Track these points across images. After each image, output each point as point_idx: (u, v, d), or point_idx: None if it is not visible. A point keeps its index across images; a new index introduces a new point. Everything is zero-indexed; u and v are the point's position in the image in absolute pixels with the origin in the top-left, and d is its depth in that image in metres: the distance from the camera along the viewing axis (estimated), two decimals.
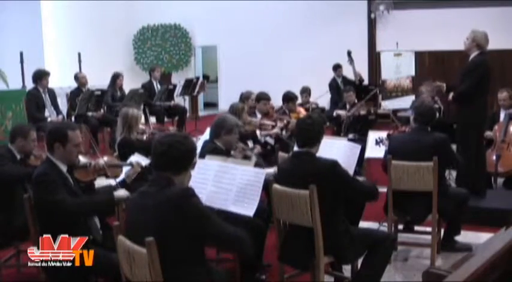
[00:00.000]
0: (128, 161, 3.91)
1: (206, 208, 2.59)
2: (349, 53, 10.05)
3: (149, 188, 2.60)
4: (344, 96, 7.74)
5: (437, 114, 7.07)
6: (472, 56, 5.31)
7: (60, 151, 3.24)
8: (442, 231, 4.43)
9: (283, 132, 6.02)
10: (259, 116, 6.25)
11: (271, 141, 5.60)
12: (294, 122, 5.31)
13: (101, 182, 3.70)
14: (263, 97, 6.38)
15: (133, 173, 3.79)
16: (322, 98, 8.58)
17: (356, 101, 7.70)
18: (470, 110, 5.24)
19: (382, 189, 4.55)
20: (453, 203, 4.28)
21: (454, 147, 4.62)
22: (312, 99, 8.46)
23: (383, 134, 5.14)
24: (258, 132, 5.68)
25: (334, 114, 7.32)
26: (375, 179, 6.22)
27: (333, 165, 3.29)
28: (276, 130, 5.59)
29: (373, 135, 5.70)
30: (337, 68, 9.85)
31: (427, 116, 4.34)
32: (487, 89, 5.33)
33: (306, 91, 8.32)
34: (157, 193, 2.54)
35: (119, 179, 3.73)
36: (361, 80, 10.07)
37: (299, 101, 8.09)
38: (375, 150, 5.26)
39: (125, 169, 3.98)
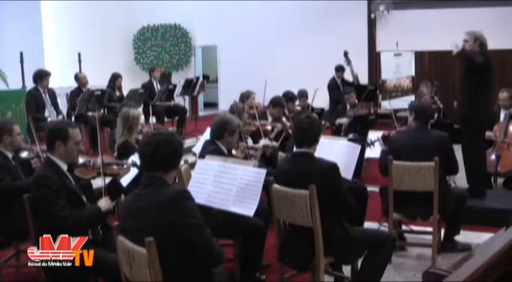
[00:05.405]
0: (124, 161, 3.91)
1: (200, 216, 2.56)
2: (345, 54, 10.03)
3: (143, 190, 2.59)
4: (345, 98, 7.70)
5: (437, 114, 7.11)
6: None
7: (61, 149, 3.24)
8: (442, 231, 4.43)
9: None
10: (270, 119, 6.18)
11: (270, 143, 5.56)
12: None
13: (99, 182, 3.68)
14: (280, 104, 6.16)
15: (124, 172, 3.79)
16: (320, 97, 8.52)
17: (356, 101, 7.70)
18: (475, 110, 5.20)
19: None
20: (453, 202, 4.28)
21: (455, 147, 4.61)
22: (314, 102, 8.31)
23: (374, 136, 5.14)
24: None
25: (337, 123, 7.26)
26: (374, 179, 6.24)
27: (333, 168, 3.29)
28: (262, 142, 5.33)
29: (372, 135, 5.70)
30: (339, 69, 9.84)
31: (426, 114, 4.35)
32: (491, 88, 5.30)
33: (303, 95, 7.81)
34: (152, 194, 2.54)
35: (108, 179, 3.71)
36: (358, 81, 10.07)
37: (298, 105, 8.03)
38: (373, 151, 5.25)
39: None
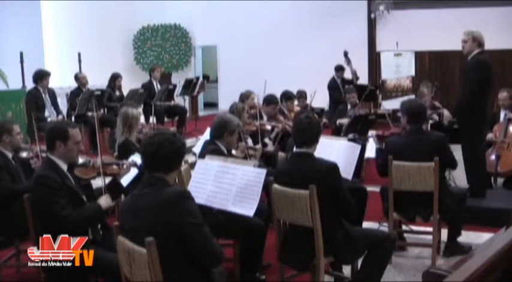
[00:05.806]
0: (123, 160, 3.91)
1: (200, 215, 2.56)
2: (345, 54, 10.04)
3: (143, 190, 2.59)
4: (346, 98, 7.73)
5: (437, 115, 7.10)
6: (471, 55, 5.22)
7: (61, 149, 3.24)
8: (442, 231, 4.41)
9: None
10: (265, 118, 6.18)
11: (270, 143, 5.57)
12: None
13: (99, 182, 3.68)
14: (273, 101, 6.21)
15: (124, 172, 3.79)
16: (320, 98, 8.52)
17: (358, 101, 7.71)
18: (475, 111, 5.19)
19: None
20: (453, 202, 4.27)
21: (454, 147, 4.61)
22: (314, 102, 8.30)
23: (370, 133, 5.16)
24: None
25: (338, 123, 7.26)
26: (374, 179, 6.24)
27: (333, 168, 3.29)
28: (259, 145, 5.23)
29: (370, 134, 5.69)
30: (339, 69, 9.87)
31: (419, 115, 4.28)
32: (490, 88, 5.30)
33: (302, 96, 7.81)
34: (152, 194, 2.54)
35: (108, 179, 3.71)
36: (357, 77, 10.10)
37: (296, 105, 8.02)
38: (370, 150, 5.26)
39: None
